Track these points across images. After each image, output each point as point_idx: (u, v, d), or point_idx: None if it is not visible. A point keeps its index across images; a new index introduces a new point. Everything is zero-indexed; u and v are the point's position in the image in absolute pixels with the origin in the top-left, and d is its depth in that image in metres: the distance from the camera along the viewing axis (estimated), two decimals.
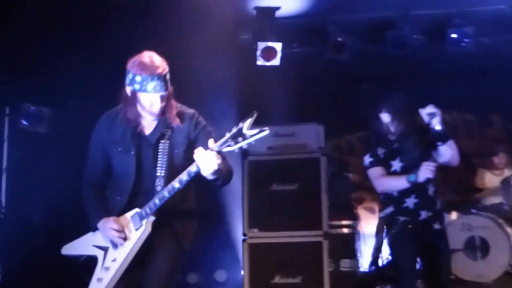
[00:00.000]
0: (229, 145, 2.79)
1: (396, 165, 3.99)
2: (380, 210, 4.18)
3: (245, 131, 2.74)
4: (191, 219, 3.30)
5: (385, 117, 4.00)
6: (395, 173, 3.98)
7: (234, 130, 2.78)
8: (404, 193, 3.91)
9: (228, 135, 2.79)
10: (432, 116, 3.81)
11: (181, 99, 3.30)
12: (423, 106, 3.85)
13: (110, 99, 3.33)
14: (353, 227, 6.43)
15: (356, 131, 8.13)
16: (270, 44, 6.57)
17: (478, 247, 6.23)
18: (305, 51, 6.98)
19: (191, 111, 3.29)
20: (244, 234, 5.74)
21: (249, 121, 2.76)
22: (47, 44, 5.94)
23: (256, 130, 2.75)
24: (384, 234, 4.07)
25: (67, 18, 5.61)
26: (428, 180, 3.89)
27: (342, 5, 6.20)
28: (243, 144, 2.77)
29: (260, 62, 6.69)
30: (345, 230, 6.39)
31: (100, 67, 6.21)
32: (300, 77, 7.18)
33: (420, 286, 4.76)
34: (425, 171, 3.74)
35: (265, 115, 6.64)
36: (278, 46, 6.61)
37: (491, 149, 7.56)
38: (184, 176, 2.92)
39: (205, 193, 3.44)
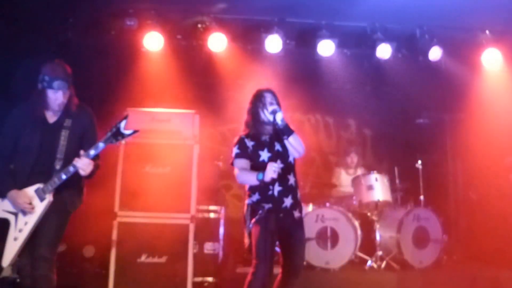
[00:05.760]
0: (111, 142, 3.78)
1: (264, 155, 4.28)
2: (247, 197, 4.38)
3: (122, 130, 3.75)
4: (77, 191, 4.16)
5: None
6: (263, 163, 4.20)
7: (114, 129, 3.76)
8: (269, 182, 4.14)
9: (109, 134, 3.76)
10: (274, 113, 4.17)
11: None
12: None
13: None
14: (219, 213, 6.66)
15: (229, 123, 8.43)
16: (154, 32, 6.71)
17: (329, 237, 6.64)
18: (187, 43, 7.16)
19: (89, 108, 4.15)
20: (115, 213, 5.79)
21: (123, 122, 3.76)
22: None
23: (131, 131, 3.78)
24: (248, 219, 4.26)
25: None
26: (290, 171, 4.26)
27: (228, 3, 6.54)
28: (122, 140, 3.79)
29: (144, 48, 6.83)
30: (212, 215, 6.61)
31: None
32: (182, 67, 7.32)
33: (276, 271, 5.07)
34: (270, 172, 3.94)
35: (146, 99, 6.87)
36: (163, 34, 6.78)
37: (346, 150, 8.24)
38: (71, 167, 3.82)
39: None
